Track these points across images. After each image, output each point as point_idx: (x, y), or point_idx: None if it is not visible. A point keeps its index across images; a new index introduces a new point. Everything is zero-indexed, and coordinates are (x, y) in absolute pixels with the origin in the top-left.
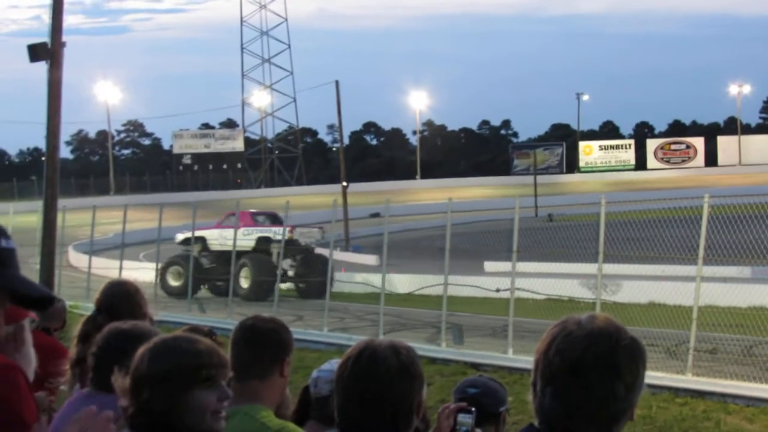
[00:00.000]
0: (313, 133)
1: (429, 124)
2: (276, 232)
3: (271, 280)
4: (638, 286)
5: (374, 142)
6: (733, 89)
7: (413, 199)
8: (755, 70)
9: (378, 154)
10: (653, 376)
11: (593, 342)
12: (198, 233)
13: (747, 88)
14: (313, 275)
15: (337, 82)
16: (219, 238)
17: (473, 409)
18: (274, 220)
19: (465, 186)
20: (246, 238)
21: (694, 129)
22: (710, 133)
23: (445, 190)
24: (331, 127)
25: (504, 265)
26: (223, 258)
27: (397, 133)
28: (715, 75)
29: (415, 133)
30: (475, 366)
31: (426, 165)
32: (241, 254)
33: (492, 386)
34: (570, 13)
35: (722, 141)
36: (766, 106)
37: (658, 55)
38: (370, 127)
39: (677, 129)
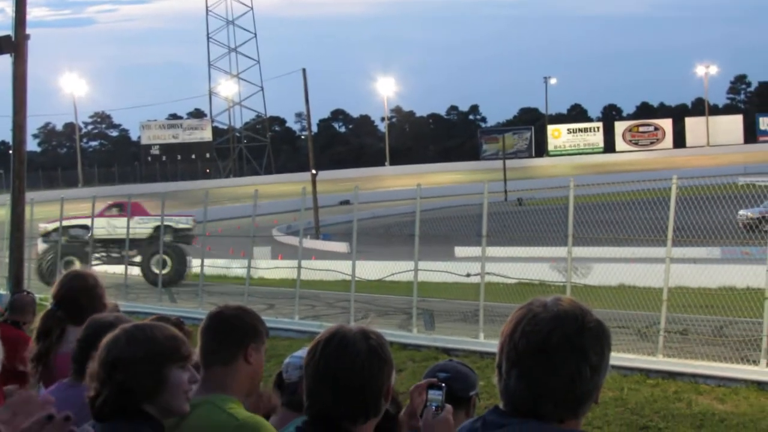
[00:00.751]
0: (282, 121)
1: (397, 110)
2: (179, 221)
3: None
4: (608, 268)
5: (343, 129)
6: (700, 70)
7: (382, 185)
8: (722, 51)
9: (346, 142)
10: (624, 357)
11: (559, 324)
12: (83, 221)
13: (714, 69)
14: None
15: (304, 71)
16: (107, 226)
17: (443, 384)
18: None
19: (434, 172)
20: (141, 226)
21: (662, 111)
22: (678, 114)
23: (414, 177)
24: (299, 115)
25: (474, 250)
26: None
27: (365, 120)
28: (682, 56)
29: (383, 119)
30: (447, 351)
31: (395, 151)
32: (136, 242)
33: (462, 371)
34: None
35: (690, 122)
36: (733, 86)
37: (625, 37)
38: (339, 114)
39: (645, 111)
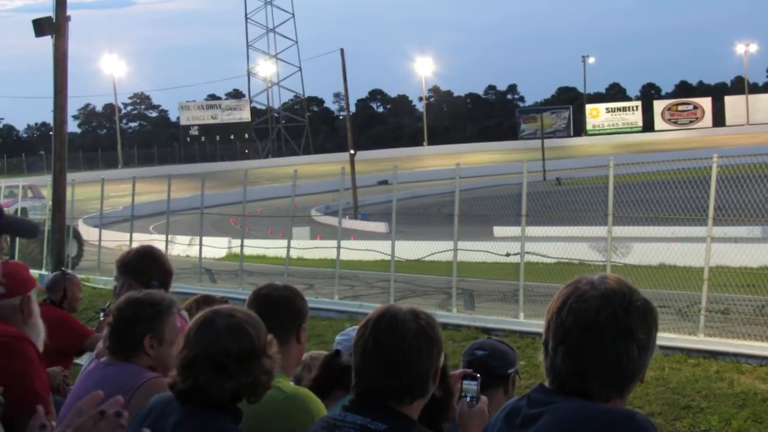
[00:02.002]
0: (320, 101)
1: (435, 90)
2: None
3: None
4: (648, 248)
5: (380, 109)
6: (740, 48)
7: (421, 165)
8: (761, 28)
9: (384, 122)
10: (665, 337)
11: (607, 302)
12: None
13: (753, 47)
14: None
15: (342, 50)
16: None
17: (478, 375)
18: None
19: (472, 152)
20: None
21: (701, 89)
22: (717, 93)
23: (453, 156)
24: (337, 95)
25: (513, 230)
26: None
27: (403, 100)
28: (721, 34)
29: (421, 99)
30: (487, 331)
31: (433, 131)
32: None
33: (500, 348)
34: None
35: (729, 101)
36: None
37: (663, 15)
38: (377, 94)
39: (684, 89)
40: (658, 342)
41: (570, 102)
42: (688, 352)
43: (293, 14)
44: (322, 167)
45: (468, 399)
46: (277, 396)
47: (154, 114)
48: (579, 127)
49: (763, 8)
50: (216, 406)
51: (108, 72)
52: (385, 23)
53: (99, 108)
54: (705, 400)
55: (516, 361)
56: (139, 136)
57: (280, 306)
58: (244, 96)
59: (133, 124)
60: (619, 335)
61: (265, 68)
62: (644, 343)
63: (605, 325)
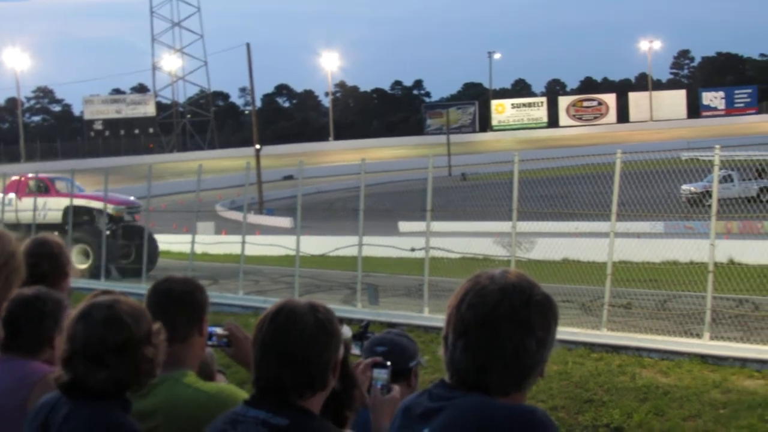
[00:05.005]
0: (225, 96)
1: (341, 85)
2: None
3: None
4: (552, 243)
5: (287, 104)
6: (644, 45)
7: (327, 160)
8: (665, 25)
9: (291, 117)
10: (569, 331)
11: (506, 296)
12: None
13: (657, 44)
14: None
15: (248, 45)
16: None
17: (389, 363)
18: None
19: (378, 147)
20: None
21: (606, 86)
22: (622, 89)
23: (359, 151)
24: (243, 90)
25: (418, 225)
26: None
27: (309, 95)
28: (625, 31)
29: (327, 94)
30: (391, 326)
31: (339, 127)
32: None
33: (400, 342)
34: None
35: (633, 97)
36: (677, 61)
37: (568, 12)
38: (283, 89)
39: (589, 86)
40: (562, 336)
41: (476, 98)
42: (591, 347)
43: (199, 8)
44: (228, 162)
45: (380, 387)
46: (199, 397)
47: (57, 108)
48: (484, 123)
49: (668, 6)
50: (102, 397)
51: (10, 65)
52: (293, 17)
53: (1, 102)
54: (607, 394)
55: (417, 353)
56: (42, 130)
57: (180, 299)
58: (149, 90)
59: (36, 118)
60: (517, 329)
61: (171, 62)
62: (543, 338)
63: (503, 319)
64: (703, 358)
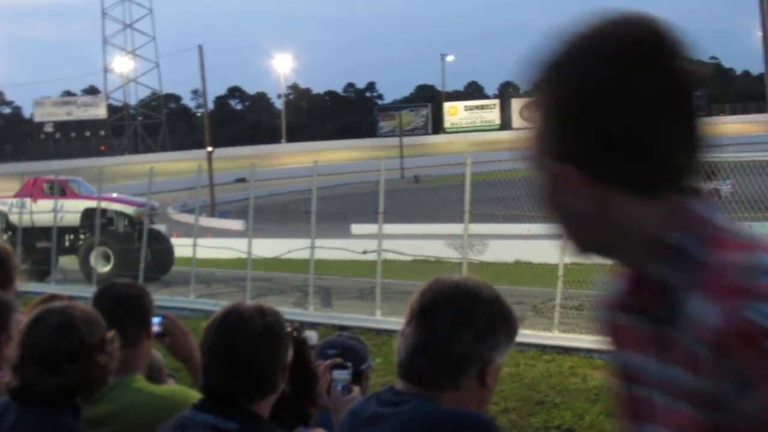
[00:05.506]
0: (177, 98)
1: (294, 87)
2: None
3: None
4: (505, 245)
5: (239, 106)
6: None
7: (279, 163)
8: None
9: (243, 119)
10: (520, 333)
11: (454, 290)
12: None
13: None
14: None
15: (200, 47)
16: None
17: (349, 364)
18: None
19: (331, 149)
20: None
21: None
22: None
23: (311, 154)
24: (195, 92)
25: (371, 228)
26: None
27: (262, 98)
28: None
29: (280, 96)
30: (344, 329)
31: (292, 129)
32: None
33: (350, 345)
34: None
35: None
36: None
37: (521, 13)
38: (235, 91)
39: None
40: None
41: (429, 100)
42: (543, 348)
43: (151, 10)
44: (180, 164)
45: (340, 388)
46: (152, 401)
47: (7, 110)
48: (437, 125)
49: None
50: (52, 403)
51: None
52: (246, 19)
53: None
54: (559, 396)
55: (368, 356)
56: None
57: (129, 304)
58: (100, 92)
59: None
60: (454, 317)
61: (122, 64)
62: (481, 334)
63: (443, 306)
64: None
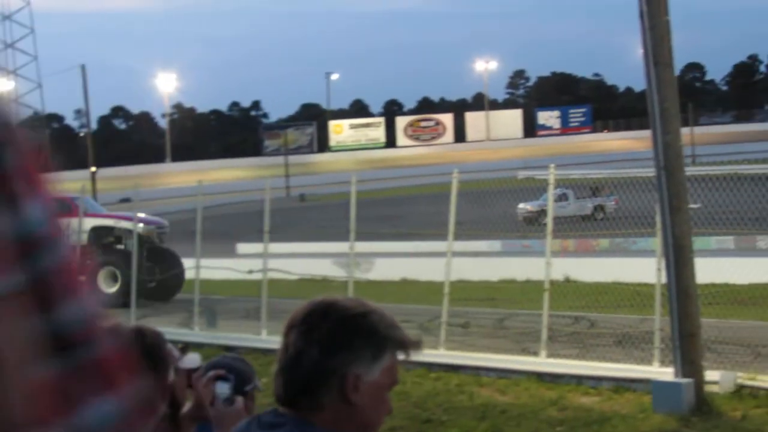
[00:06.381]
0: (60, 118)
1: (178, 106)
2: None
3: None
4: (391, 263)
5: (123, 126)
6: (480, 65)
7: (164, 182)
8: (501, 46)
9: (127, 139)
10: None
11: (309, 310)
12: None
13: (493, 65)
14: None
15: (83, 66)
16: None
17: (231, 376)
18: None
19: (216, 168)
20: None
21: (443, 106)
22: (459, 109)
23: (196, 173)
24: (78, 112)
25: (256, 247)
26: None
27: (146, 117)
28: (462, 51)
29: (164, 116)
30: (230, 349)
31: (176, 148)
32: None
33: (235, 366)
34: None
35: (470, 117)
36: (512, 81)
37: (404, 32)
38: (119, 111)
39: (426, 106)
40: (400, 357)
41: (314, 118)
42: (430, 366)
43: (32, 29)
44: (63, 185)
45: (222, 401)
46: None
47: None
48: (323, 144)
49: (503, 27)
50: None
51: None
52: (131, 38)
53: None
54: (446, 414)
55: (253, 376)
56: None
57: None
58: None
59: None
60: (303, 334)
61: (3, 85)
62: (331, 348)
63: (296, 326)
64: (540, 376)
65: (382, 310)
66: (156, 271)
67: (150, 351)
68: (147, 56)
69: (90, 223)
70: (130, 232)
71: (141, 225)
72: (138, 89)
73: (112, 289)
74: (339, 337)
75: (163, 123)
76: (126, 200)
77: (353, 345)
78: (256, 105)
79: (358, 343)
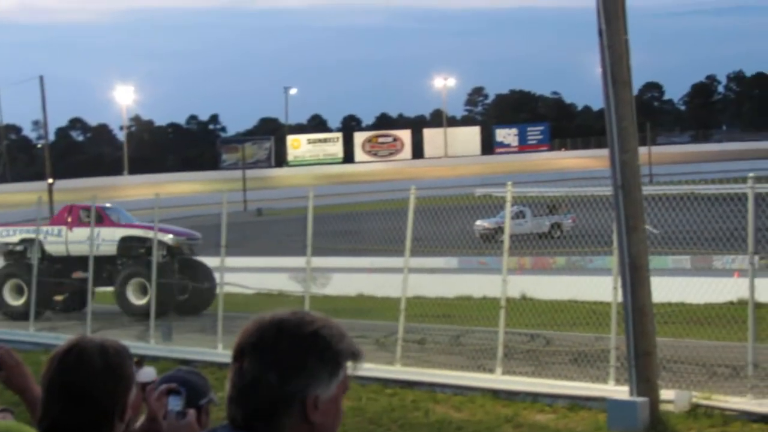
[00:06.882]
0: (17, 129)
1: (136, 119)
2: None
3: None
4: (347, 278)
5: (81, 138)
6: (439, 82)
7: (121, 195)
8: (459, 63)
9: (85, 150)
10: (363, 367)
11: (261, 330)
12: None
13: (452, 81)
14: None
15: (41, 78)
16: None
17: (183, 389)
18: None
19: (174, 182)
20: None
21: (401, 122)
22: (417, 125)
23: (154, 186)
24: (36, 123)
25: (213, 261)
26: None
27: (103, 129)
28: (421, 68)
29: (122, 128)
30: (185, 363)
31: (134, 161)
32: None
33: (190, 379)
34: (273, 7)
35: (429, 133)
36: (471, 98)
37: (363, 48)
38: (77, 123)
39: (384, 122)
40: (356, 372)
41: (272, 133)
42: (385, 382)
43: None
44: (20, 196)
45: (175, 414)
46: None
47: None
48: (281, 158)
49: (461, 44)
50: None
51: None
52: (90, 50)
53: None
54: (401, 430)
55: (208, 390)
56: None
57: None
58: None
59: None
60: (259, 359)
61: None
62: (289, 372)
63: (250, 349)
64: (496, 393)
65: (328, 320)
66: (187, 284)
67: (112, 367)
68: (105, 69)
69: (120, 233)
70: (160, 242)
71: (171, 236)
72: (96, 102)
73: (141, 301)
74: (296, 360)
75: (121, 135)
76: None
77: (310, 366)
78: (214, 118)
79: (315, 364)
